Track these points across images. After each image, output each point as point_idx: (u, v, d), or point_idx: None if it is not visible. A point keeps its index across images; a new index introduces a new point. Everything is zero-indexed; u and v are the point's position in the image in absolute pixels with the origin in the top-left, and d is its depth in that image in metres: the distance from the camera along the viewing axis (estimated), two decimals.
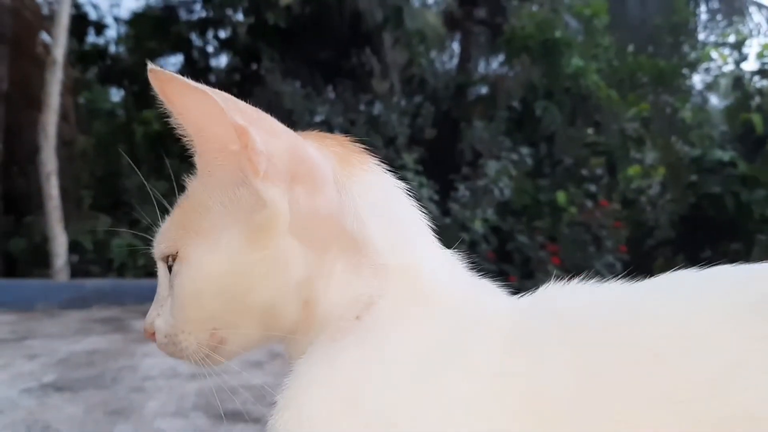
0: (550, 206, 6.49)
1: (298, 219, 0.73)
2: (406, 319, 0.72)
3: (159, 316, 0.78)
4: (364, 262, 0.74)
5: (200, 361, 0.77)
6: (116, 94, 10.51)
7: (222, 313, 0.75)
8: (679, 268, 0.75)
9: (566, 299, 0.75)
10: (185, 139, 0.76)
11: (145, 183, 0.97)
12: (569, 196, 6.46)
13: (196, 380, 2.98)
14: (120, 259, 6.66)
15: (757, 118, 8.09)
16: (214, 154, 0.76)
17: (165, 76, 0.70)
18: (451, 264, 0.81)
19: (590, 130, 7.37)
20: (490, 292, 0.81)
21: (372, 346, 0.71)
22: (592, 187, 6.56)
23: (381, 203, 0.78)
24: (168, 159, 8.33)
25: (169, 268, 0.77)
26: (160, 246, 0.78)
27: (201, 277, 0.74)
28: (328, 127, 7.35)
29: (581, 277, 0.76)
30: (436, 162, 7.08)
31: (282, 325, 0.75)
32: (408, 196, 0.81)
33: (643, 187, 7.33)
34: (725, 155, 7.77)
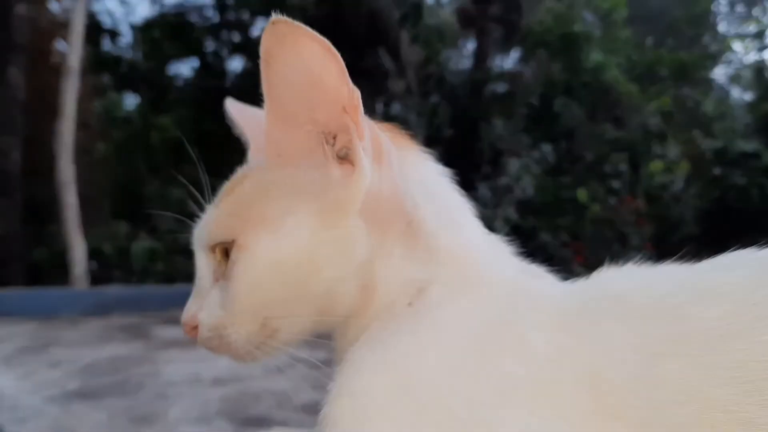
0: (573, 204, 6.41)
1: (368, 198, 0.73)
2: (459, 305, 0.72)
3: (202, 310, 0.76)
4: (419, 246, 0.75)
5: (246, 355, 0.75)
6: (132, 101, 10.56)
7: (282, 301, 0.73)
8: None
9: (621, 281, 0.73)
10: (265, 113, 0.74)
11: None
12: (591, 192, 6.38)
13: (220, 386, 2.96)
14: (140, 265, 6.68)
15: None
16: (298, 129, 0.74)
17: (292, 26, 0.67)
18: (499, 249, 0.81)
19: (611, 126, 7.27)
20: (540, 275, 0.80)
21: (425, 333, 0.70)
22: (615, 184, 6.47)
23: (431, 188, 0.80)
24: (185, 165, 8.42)
25: (225, 257, 0.75)
26: (209, 235, 0.76)
27: (264, 265, 0.72)
28: None
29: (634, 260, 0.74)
30: (455, 161, 6.96)
31: (339, 311, 0.74)
32: (452, 182, 0.83)
33: (666, 183, 7.21)
34: (748, 146, 7.65)
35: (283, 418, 2.55)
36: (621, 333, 0.66)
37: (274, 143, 0.76)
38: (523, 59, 9.14)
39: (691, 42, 10.33)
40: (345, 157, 0.74)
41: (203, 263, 0.77)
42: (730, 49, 10.57)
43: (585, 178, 6.72)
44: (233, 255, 0.73)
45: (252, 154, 0.90)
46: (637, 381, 0.63)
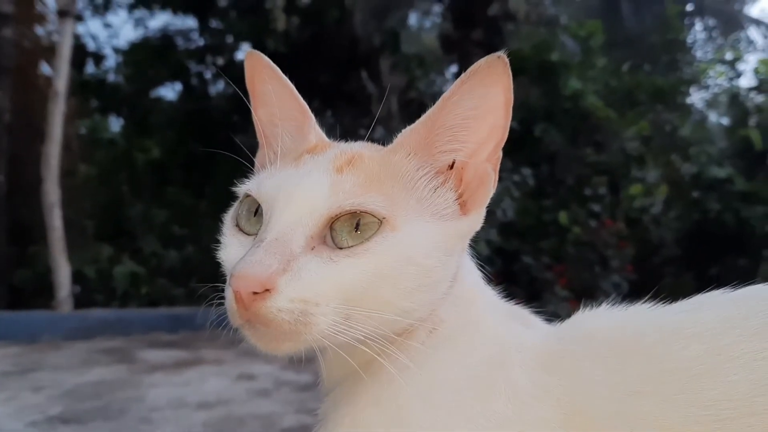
0: (555, 226, 6.48)
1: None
2: (458, 348, 0.76)
3: (286, 273, 0.66)
4: (452, 288, 0.77)
5: (316, 341, 0.69)
6: (116, 123, 10.55)
7: (394, 291, 0.70)
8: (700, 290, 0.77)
9: (598, 322, 0.78)
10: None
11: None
12: (572, 215, 6.46)
13: (204, 410, 2.96)
14: (123, 288, 6.64)
15: (755, 135, 8.12)
16: (445, 145, 0.76)
17: (504, 68, 0.72)
18: (491, 293, 0.86)
19: (591, 150, 7.38)
20: (525, 317, 0.84)
21: (426, 374, 0.73)
22: (596, 207, 6.55)
23: None
24: (169, 186, 8.42)
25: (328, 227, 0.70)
26: (343, 198, 0.70)
27: (410, 250, 0.70)
28: None
29: (607, 300, 0.80)
30: None
31: (401, 328, 0.73)
32: None
33: (646, 206, 7.32)
34: (722, 172, 7.80)
35: None
36: (600, 372, 0.70)
37: (417, 141, 0.76)
38: None
39: (667, 67, 10.51)
40: (460, 195, 0.76)
41: (292, 221, 0.70)
42: (706, 74, 10.76)
43: (566, 201, 6.80)
44: (369, 231, 0.69)
45: (262, 113, 0.88)
46: (616, 418, 0.67)
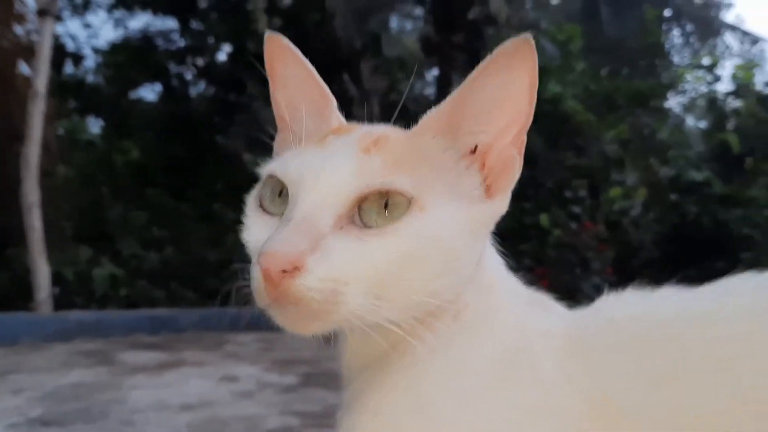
0: (536, 229, 6.53)
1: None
2: (482, 334, 0.76)
3: (316, 253, 0.65)
4: (476, 273, 0.77)
5: (345, 321, 0.68)
6: (95, 125, 10.46)
7: (423, 273, 0.69)
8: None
9: (623, 308, 0.78)
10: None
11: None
12: (553, 218, 6.51)
13: (187, 411, 2.94)
14: (102, 290, 6.58)
15: (732, 138, 8.25)
16: (473, 127, 0.76)
17: (531, 50, 0.72)
18: (513, 280, 0.86)
19: (571, 153, 7.45)
20: (548, 304, 0.84)
21: (451, 361, 0.73)
22: (576, 209, 6.61)
23: None
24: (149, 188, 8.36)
25: (385, 209, 0.68)
26: (372, 177, 0.69)
27: (439, 232, 0.69)
28: None
29: (629, 287, 0.80)
30: None
31: (427, 311, 0.72)
32: None
33: (625, 208, 7.41)
34: (699, 175, 7.91)
35: None
36: (625, 360, 0.70)
37: (442, 123, 0.76)
38: None
39: (646, 72, 10.64)
40: (485, 179, 0.76)
41: (320, 200, 0.69)
42: (683, 79, 10.91)
43: (547, 203, 6.85)
44: (397, 211, 0.68)
45: (281, 96, 0.88)
46: (643, 405, 0.67)
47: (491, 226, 0.79)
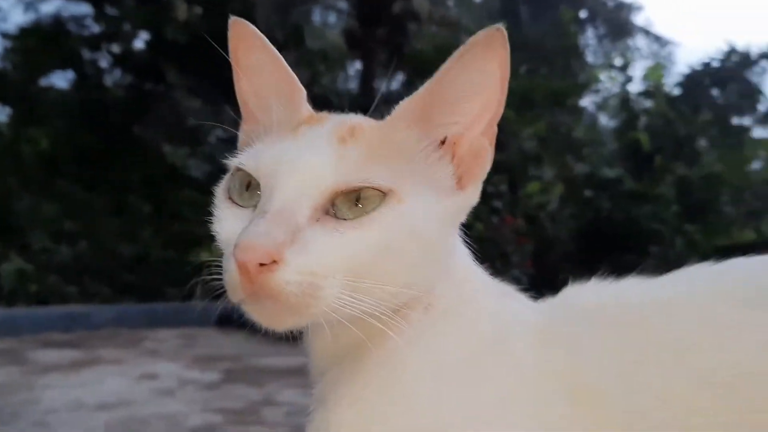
0: None
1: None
2: (457, 324, 0.76)
3: (294, 246, 0.64)
4: (447, 265, 0.78)
5: (322, 314, 0.66)
6: (1, 113, 9.96)
7: (398, 265, 0.69)
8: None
9: (591, 296, 0.80)
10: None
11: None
12: (475, 212, 6.60)
13: (105, 411, 2.85)
14: (10, 286, 6.29)
15: (643, 137, 8.61)
16: (444, 119, 0.75)
17: (502, 41, 0.72)
18: (482, 272, 0.85)
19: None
20: (515, 295, 0.85)
21: (428, 350, 0.74)
22: (497, 204, 6.76)
23: None
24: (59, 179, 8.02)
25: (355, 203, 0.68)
26: (348, 172, 0.68)
27: (415, 223, 0.69)
28: (233, 146, 7.24)
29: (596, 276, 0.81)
30: None
31: (401, 302, 0.72)
32: None
33: (543, 203, 7.63)
34: (612, 173, 8.24)
35: None
36: (599, 346, 0.72)
37: (414, 114, 0.75)
38: (408, 84, 9.39)
39: (562, 71, 10.96)
40: (457, 170, 0.76)
41: (297, 192, 0.67)
42: (597, 79, 11.30)
43: None
44: (370, 205, 0.67)
45: (247, 86, 0.85)
46: (619, 388, 0.68)
47: (463, 218, 0.79)
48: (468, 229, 0.83)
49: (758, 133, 11.17)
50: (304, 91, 0.83)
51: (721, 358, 0.67)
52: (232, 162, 0.78)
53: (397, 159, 0.72)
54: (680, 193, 8.25)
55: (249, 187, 0.74)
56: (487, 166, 0.77)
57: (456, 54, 0.72)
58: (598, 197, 8.06)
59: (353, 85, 10.69)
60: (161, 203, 7.79)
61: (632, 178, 8.28)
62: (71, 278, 6.82)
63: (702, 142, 9.32)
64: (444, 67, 0.73)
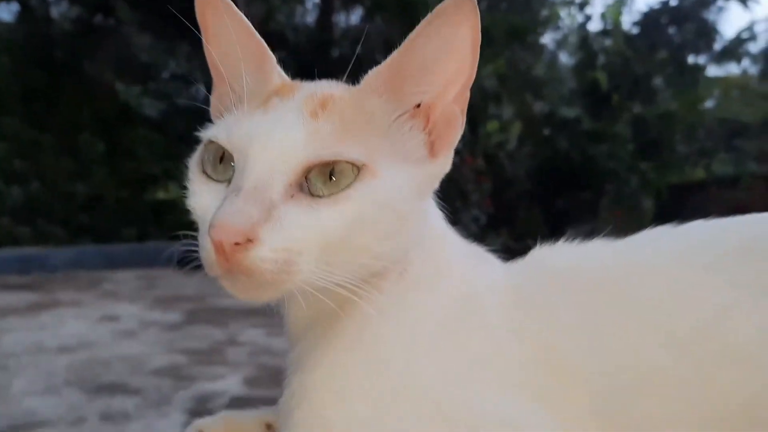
0: None
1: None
2: (431, 289, 0.78)
3: (267, 223, 0.65)
4: (421, 230, 0.78)
5: (297, 288, 0.67)
6: None
7: (372, 239, 0.69)
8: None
9: (559, 259, 0.82)
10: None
11: None
12: None
13: (66, 354, 2.84)
14: None
15: (601, 76, 8.66)
16: (414, 87, 0.74)
17: (472, 7, 0.71)
18: (455, 235, 0.87)
19: None
20: (487, 257, 0.87)
21: (402, 315, 0.75)
22: (458, 144, 6.76)
23: None
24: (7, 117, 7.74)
25: (329, 178, 0.68)
26: (321, 147, 0.68)
27: (389, 197, 0.69)
28: (186, 82, 7.07)
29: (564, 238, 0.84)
30: None
31: (376, 271, 0.73)
32: None
33: (502, 142, 7.67)
34: (571, 112, 8.30)
35: (138, 384, 2.50)
36: (568, 308, 0.74)
37: (384, 83, 0.74)
38: (367, 17, 9.20)
39: (523, 7, 10.86)
40: (429, 138, 0.76)
41: (269, 169, 0.68)
42: (558, 16, 11.23)
43: None
44: (344, 179, 0.68)
45: (217, 50, 0.82)
46: (587, 349, 0.71)
47: (436, 185, 0.80)
48: None
49: (713, 71, 11.29)
50: (274, 59, 0.82)
51: (685, 320, 0.70)
52: (205, 135, 0.77)
53: (370, 130, 0.72)
54: (636, 132, 8.36)
55: (222, 160, 0.73)
56: (459, 133, 0.77)
57: (425, 20, 0.71)
58: (556, 136, 8.12)
59: (311, 19, 10.42)
60: (114, 142, 7.60)
61: (590, 117, 8.35)
62: (24, 220, 6.68)
63: (658, 81, 9.40)
64: (413, 34, 0.72)
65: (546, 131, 8.23)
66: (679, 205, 7.69)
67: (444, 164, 0.78)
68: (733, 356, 0.67)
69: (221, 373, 2.59)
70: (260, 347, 2.89)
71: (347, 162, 0.68)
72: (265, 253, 0.64)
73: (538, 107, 8.44)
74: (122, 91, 7.78)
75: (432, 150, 0.76)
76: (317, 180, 0.68)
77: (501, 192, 7.24)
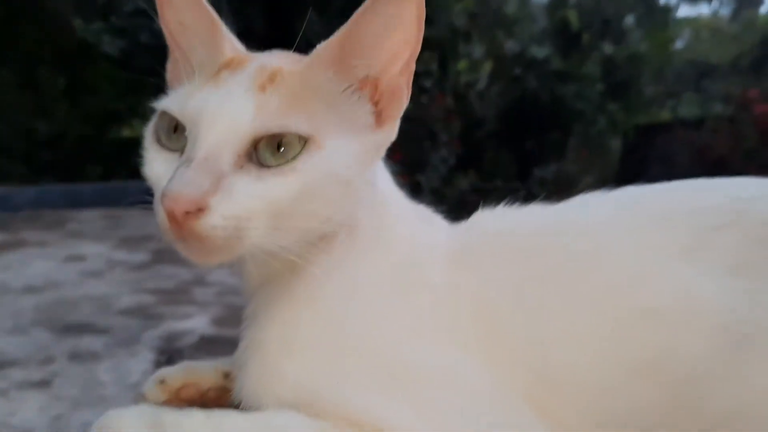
0: None
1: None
2: (375, 250, 0.84)
3: (218, 193, 0.69)
4: (370, 193, 0.85)
5: (247, 252, 0.72)
6: None
7: (317, 208, 0.73)
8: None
9: (498, 221, 0.88)
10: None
11: None
12: None
13: (32, 294, 2.81)
14: None
15: (572, 15, 8.59)
16: (357, 60, 0.78)
17: None
18: (402, 197, 0.93)
19: None
20: (432, 219, 0.94)
21: (349, 274, 0.81)
22: (427, 83, 6.71)
23: None
24: None
25: (278, 149, 0.71)
26: (271, 120, 0.72)
27: (334, 168, 0.73)
28: (149, 18, 6.85)
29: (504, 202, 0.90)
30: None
31: (324, 234, 0.79)
32: None
33: (471, 81, 7.62)
34: (541, 52, 8.26)
35: (106, 323, 2.49)
36: (504, 268, 0.80)
37: (333, 56, 0.77)
38: None
39: None
40: (376, 104, 0.79)
41: (219, 140, 0.71)
42: None
43: None
44: (292, 151, 0.71)
45: (170, 17, 0.84)
46: (521, 309, 0.77)
47: (383, 153, 0.84)
48: None
49: (684, 11, 11.31)
50: (223, 27, 0.84)
51: (611, 281, 0.75)
52: (159, 105, 0.80)
53: (317, 103, 0.76)
54: (605, 73, 8.38)
55: (176, 129, 0.77)
56: (404, 104, 0.81)
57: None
58: (526, 76, 8.10)
59: None
60: (75, 78, 7.41)
61: (560, 56, 8.32)
62: None
63: (629, 21, 9.37)
64: (361, 10, 0.75)
65: (517, 71, 8.20)
66: (646, 145, 7.79)
67: (390, 133, 0.82)
68: (645, 315, 0.72)
69: (189, 312, 2.58)
70: (228, 287, 2.89)
71: (294, 134, 0.72)
72: (215, 220, 0.68)
73: (509, 46, 8.37)
74: (81, 29, 7.52)
75: (379, 119, 0.80)
76: (266, 151, 0.72)
77: (470, 132, 7.24)
